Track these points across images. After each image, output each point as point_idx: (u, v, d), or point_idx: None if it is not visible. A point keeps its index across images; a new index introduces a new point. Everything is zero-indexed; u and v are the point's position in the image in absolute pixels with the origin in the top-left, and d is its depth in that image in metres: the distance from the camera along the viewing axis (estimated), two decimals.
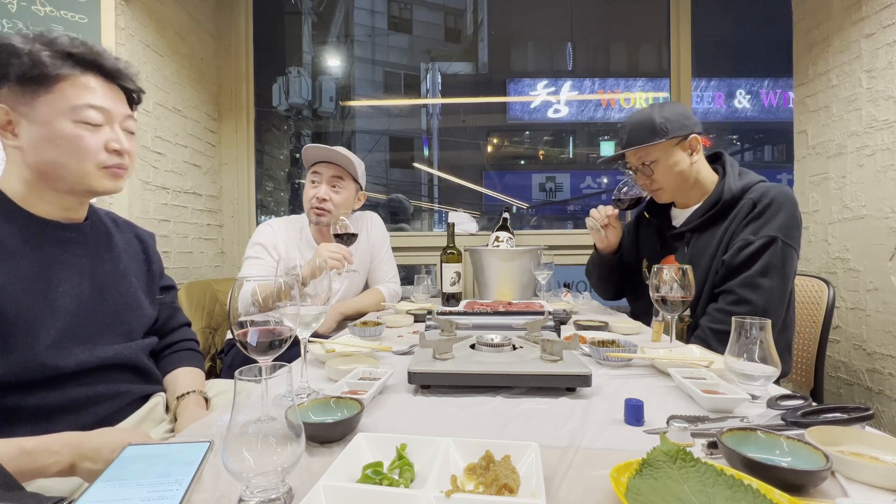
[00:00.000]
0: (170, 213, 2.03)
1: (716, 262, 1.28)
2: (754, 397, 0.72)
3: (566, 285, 2.12)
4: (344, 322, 1.62)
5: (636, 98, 5.16)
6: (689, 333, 1.32)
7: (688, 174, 1.35)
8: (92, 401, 0.85)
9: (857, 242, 1.81)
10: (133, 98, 0.92)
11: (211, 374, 1.68)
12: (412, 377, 0.79)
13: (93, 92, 0.83)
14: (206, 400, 0.99)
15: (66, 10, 1.63)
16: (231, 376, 0.57)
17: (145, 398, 0.95)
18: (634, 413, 0.65)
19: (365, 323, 1.28)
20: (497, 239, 1.86)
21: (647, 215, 1.58)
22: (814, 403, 0.65)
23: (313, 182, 1.64)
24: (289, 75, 4.69)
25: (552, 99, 5.25)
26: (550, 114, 5.33)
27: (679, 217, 1.44)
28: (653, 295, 1.09)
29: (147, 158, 1.88)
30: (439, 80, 6.85)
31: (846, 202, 1.87)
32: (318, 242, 1.71)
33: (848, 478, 0.48)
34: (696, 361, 0.87)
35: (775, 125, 6.56)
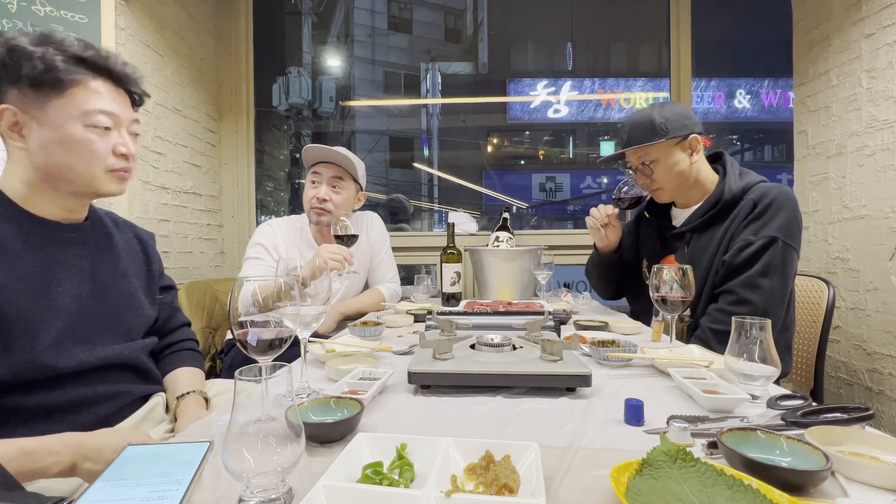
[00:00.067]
0: (170, 213, 2.03)
1: (716, 262, 1.28)
2: (754, 397, 0.72)
3: (566, 285, 2.12)
4: (344, 322, 1.62)
5: (636, 98, 5.16)
6: (689, 333, 1.32)
7: (688, 174, 1.35)
8: (92, 401, 0.85)
9: (857, 242, 1.81)
10: (135, 100, 0.93)
11: (211, 374, 1.68)
12: (412, 377, 0.79)
13: (102, 96, 0.84)
14: (206, 400, 0.99)
15: (66, 10, 1.63)
16: (231, 376, 0.57)
17: (145, 398, 0.95)
18: (634, 413, 0.65)
19: (365, 323, 1.28)
20: (497, 239, 1.86)
21: (648, 215, 1.58)
22: (814, 403, 0.65)
23: (313, 182, 1.64)
24: (289, 75, 4.69)
25: (552, 99, 5.25)
26: (550, 114, 5.34)
27: (679, 217, 1.44)
28: (653, 295, 1.09)
29: (147, 158, 1.88)
30: (439, 80, 6.85)
31: (846, 202, 1.87)
32: (319, 242, 1.71)
33: (848, 478, 0.48)
34: (696, 361, 0.87)
35: (775, 125, 6.57)
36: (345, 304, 1.69)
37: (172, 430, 0.92)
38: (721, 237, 1.29)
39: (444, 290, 1.78)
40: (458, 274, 1.78)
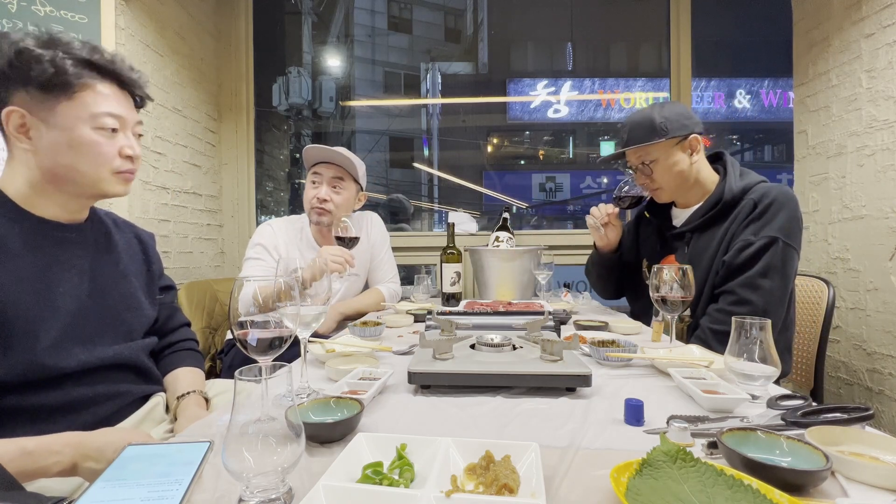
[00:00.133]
0: (170, 213, 2.03)
1: (716, 262, 1.28)
2: (754, 397, 0.72)
3: (566, 285, 2.12)
4: (344, 322, 1.62)
5: (636, 98, 5.16)
6: (689, 333, 1.32)
7: (687, 174, 1.35)
8: (92, 401, 0.85)
9: (857, 242, 1.81)
10: (137, 102, 0.94)
11: (211, 374, 1.68)
12: (412, 377, 0.79)
13: (109, 99, 0.85)
14: (207, 400, 0.99)
15: (66, 10, 1.63)
16: (231, 376, 0.57)
17: (145, 398, 0.95)
18: (634, 413, 0.65)
19: (365, 323, 1.28)
20: (497, 239, 1.86)
21: (648, 215, 1.58)
22: (814, 403, 0.65)
23: (314, 182, 1.64)
24: (289, 75, 4.69)
25: (552, 99, 5.25)
26: (550, 114, 5.34)
27: (679, 217, 1.44)
28: (653, 295, 1.09)
29: (147, 158, 1.88)
30: (439, 80, 6.86)
31: (846, 202, 1.87)
32: (319, 242, 1.71)
33: (848, 478, 0.48)
34: (696, 361, 0.87)
35: (775, 125, 6.57)
36: (345, 304, 1.69)
37: (172, 430, 0.92)
38: (721, 237, 1.29)
39: (444, 290, 1.78)
40: (458, 274, 1.78)
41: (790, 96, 2.29)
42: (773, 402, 0.66)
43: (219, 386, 1.08)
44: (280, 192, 4.14)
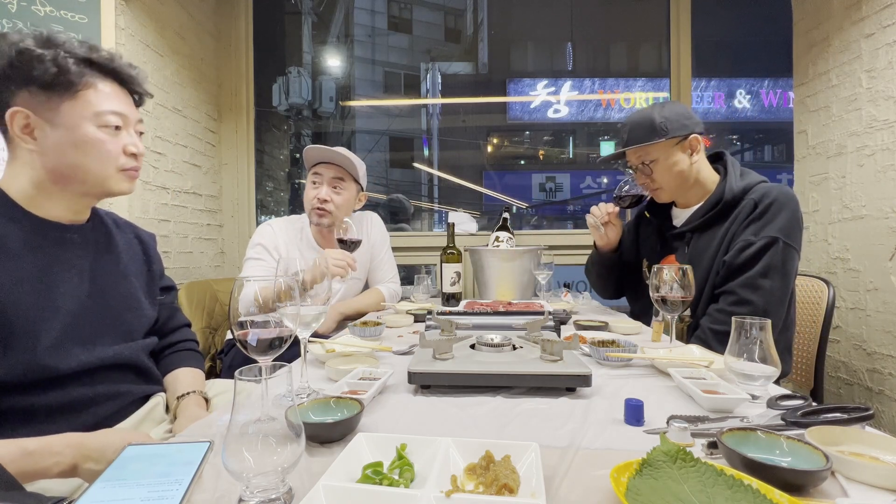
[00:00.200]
0: (170, 213, 2.03)
1: (716, 262, 1.28)
2: (754, 397, 0.72)
3: (566, 285, 2.12)
4: (344, 322, 1.62)
5: (636, 98, 5.16)
6: (689, 334, 1.32)
7: (687, 174, 1.35)
8: (92, 401, 0.85)
9: (857, 242, 1.81)
10: (136, 100, 0.94)
11: (211, 374, 1.68)
12: (412, 377, 0.79)
13: (111, 97, 0.86)
14: (207, 400, 0.99)
15: (66, 10, 1.63)
16: (231, 376, 0.57)
17: (145, 398, 0.95)
18: (634, 413, 0.65)
19: (365, 323, 1.28)
20: (497, 239, 1.86)
21: (648, 215, 1.58)
22: (814, 403, 0.65)
23: (314, 183, 1.64)
24: (289, 75, 4.69)
25: (552, 99, 5.26)
26: (550, 114, 5.34)
27: (680, 217, 1.44)
28: (653, 295, 1.09)
29: (147, 158, 1.88)
30: (439, 80, 6.86)
31: (846, 202, 1.87)
32: (319, 243, 1.71)
33: (848, 478, 0.48)
34: (696, 361, 0.87)
35: (775, 125, 6.57)
36: (345, 304, 1.69)
37: (172, 430, 0.92)
38: (722, 237, 1.29)
39: (444, 290, 1.78)
40: (458, 274, 1.78)
41: (790, 96, 2.29)
42: (773, 402, 0.66)
43: (219, 386, 1.08)
44: (280, 192, 4.14)
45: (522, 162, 6.71)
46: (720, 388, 0.73)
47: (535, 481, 0.45)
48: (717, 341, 1.19)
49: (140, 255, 1.05)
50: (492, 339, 0.94)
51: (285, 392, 0.66)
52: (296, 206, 3.87)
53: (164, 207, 1.99)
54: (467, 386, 0.80)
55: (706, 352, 0.95)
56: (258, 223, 2.51)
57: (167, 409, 0.97)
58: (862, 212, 1.79)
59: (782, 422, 0.60)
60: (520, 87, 5.58)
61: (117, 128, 0.86)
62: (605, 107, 5.20)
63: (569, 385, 0.77)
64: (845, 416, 0.59)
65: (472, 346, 0.92)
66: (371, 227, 1.86)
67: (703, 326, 1.25)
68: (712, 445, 0.55)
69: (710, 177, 1.38)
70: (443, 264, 1.77)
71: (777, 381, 0.79)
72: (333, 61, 5.41)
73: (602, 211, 1.55)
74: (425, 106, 6.69)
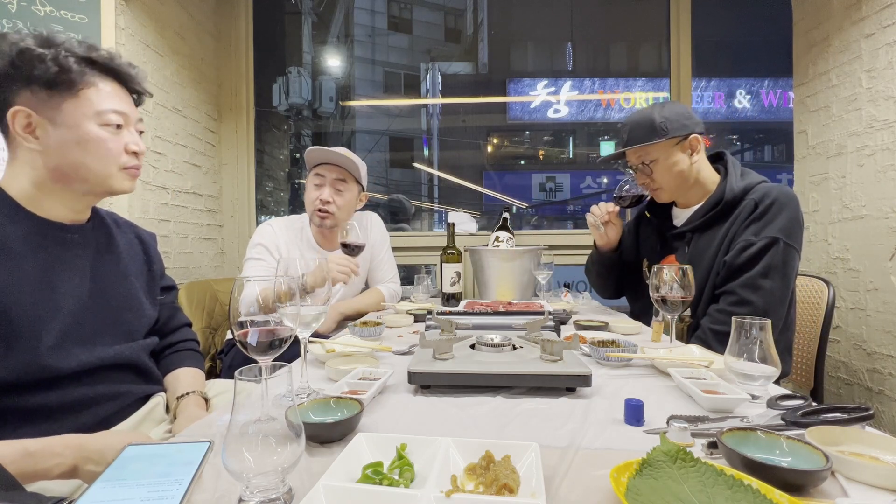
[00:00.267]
0: (170, 213, 2.03)
1: (717, 262, 1.28)
2: (754, 397, 0.72)
3: (566, 285, 2.12)
4: (344, 322, 1.62)
5: (636, 98, 5.17)
6: (689, 334, 1.32)
7: (687, 174, 1.35)
8: (93, 401, 0.85)
9: (857, 242, 1.81)
10: (135, 100, 0.94)
11: (211, 374, 1.68)
12: (412, 377, 0.79)
13: (111, 96, 0.86)
14: (206, 400, 0.99)
15: (66, 10, 1.63)
16: (231, 376, 0.57)
17: (146, 398, 0.95)
18: (634, 413, 0.65)
19: (365, 323, 1.28)
20: (497, 239, 1.86)
21: (648, 214, 1.58)
22: (814, 403, 0.65)
23: (317, 185, 1.64)
24: (289, 75, 4.69)
25: (552, 99, 5.26)
26: (550, 114, 5.34)
27: (680, 217, 1.44)
28: (653, 295, 1.09)
29: (147, 158, 1.88)
30: (439, 80, 6.86)
31: (846, 202, 1.87)
32: (319, 243, 1.71)
33: (848, 478, 0.48)
34: (696, 361, 0.87)
35: (775, 125, 6.57)
36: (345, 304, 1.69)
37: (172, 430, 0.92)
38: (722, 237, 1.29)
39: (444, 290, 1.78)
40: (458, 274, 1.78)
41: (790, 96, 2.29)
42: (773, 402, 0.66)
43: (219, 386, 1.08)
44: (280, 192, 4.14)
45: (522, 162, 6.71)
46: (720, 388, 0.73)
47: (535, 481, 0.45)
48: (717, 341, 1.19)
49: (140, 254, 1.05)
50: (492, 339, 0.94)
51: (285, 392, 0.66)
52: (296, 206, 3.87)
53: (164, 207, 1.99)
54: (467, 386, 0.80)
55: (706, 352, 0.95)
56: (258, 223, 2.50)
57: (167, 409, 0.97)
58: (862, 212, 1.79)
59: (782, 422, 0.60)
60: (520, 87, 5.58)
61: (119, 126, 0.86)
62: (605, 107, 5.20)
63: (569, 385, 0.77)
64: (845, 416, 0.59)
65: (472, 346, 0.92)
66: (371, 227, 1.86)
67: (704, 326, 1.25)
68: (712, 445, 0.55)
69: (711, 177, 1.38)
70: (443, 264, 1.77)
71: (777, 381, 0.79)
72: (333, 61, 5.41)
73: (602, 210, 1.55)
74: (425, 106, 6.69)
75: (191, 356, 1.09)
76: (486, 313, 1.26)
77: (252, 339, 0.65)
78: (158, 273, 1.09)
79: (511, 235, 1.87)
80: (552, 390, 0.78)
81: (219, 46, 2.52)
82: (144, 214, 1.85)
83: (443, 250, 1.77)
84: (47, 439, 0.70)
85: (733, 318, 0.77)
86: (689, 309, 1.21)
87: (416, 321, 1.49)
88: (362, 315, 1.65)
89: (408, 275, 2.59)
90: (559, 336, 1.08)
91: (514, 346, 0.92)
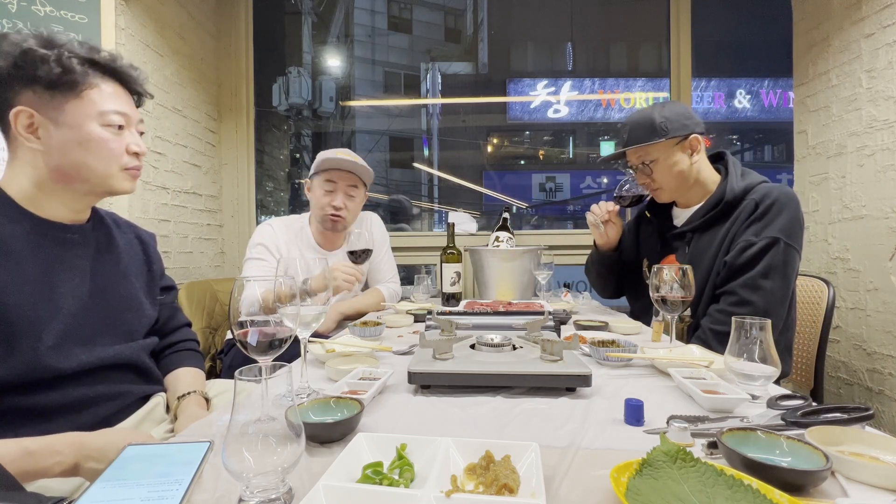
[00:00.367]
0: (170, 213, 2.03)
1: (717, 262, 1.28)
2: (754, 397, 0.72)
3: (566, 285, 2.12)
4: (344, 322, 1.62)
5: (636, 98, 5.16)
6: (689, 334, 1.32)
7: (687, 174, 1.35)
8: (93, 401, 0.85)
9: (857, 242, 1.81)
10: (136, 101, 0.94)
11: (211, 374, 1.68)
12: (412, 377, 0.79)
13: (113, 97, 0.87)
14: (207, 400, 0.99)
15: (66, 10, 1.63)
16: (231, 376, 0.57)
17: (146, 398, 0.95)
18: (634, 413, 0.65)
19: (365, 323, 1.28)
20: (497, 239, 1.86)
21: (648, 214, 1.58)
22: (814, 403, 0.65)
23: (329, 191, 1.64)
24: (289, 75, 4.69)
25: (552, 99, 5.25)
26: (550, 114, 5.34)
27: (680, 217, 1.44)
28: (653, 295, 1.09)
29: (147, 158, 1.86)
30: (439, 80, 6.85)
31: (846, 202, 1.87)
32: (319, 243, 1.72)
33: (848, 478, 0.48)
34: (696, 361, 0.87)
35: (775, 125, 6.57)
36: (345, 304, 1.69)
37: (173, 430, 0.92)
38: (722, 237, 1.29)
39: (444, 290, 1.78)
40: (458, 274, 1.78)
41: (790, 96, 2.29)
42: (773, 402, 0.66)
43: (219, 386, 1.08)
44: (280, 192, 4.14)
45: (522, 162, 6.71)
46: (720, 388, 0.73)
47: (535, 481, 0.45)
48: (717, 341, 1.19)
49: (140, 254, 1.05)
50: (492, 339, 0.94)
51: (285, 392, 0.66)
52: (296, 206, 3.87)
53: (164, 207, 1.99)
54: (467, 386, 0.80)
55: (706, 352, 0.95)
56: (258, 223, 2.50)
57: (168, 408, 0.97)
58: (862, 212, 1.79)
59: (782, 422, 0.60)
60: (520, 87, 5.58)
61: (120, 127, 0.87)
62: (605, 107, 5.19)
63: (569, 385, 0.77)
64: (845, 416, 0.59)
65: (472, 346, 0.92)
66: (371, 228, 1.87)
67: (704, 327, 1.25)
68: (712, 445, 0.55)
69: (711, 177, 1.38)
70: (443, 264, 1.77)
71: (777, 382, 0.79)
72: (333, 61, 5.41)
73: (602, 209, 1.55)
74: (425, 106, 6.69)
75: (191, 356, 1.09)
76: (486, 313, 1.26)
77: (252, 339, 0.65)
78: (158, 273, 1.09)
79: (511, 235, 1.87)
80: (552, 390, 0.78)
81: (219, 46, 2.52)
82: (144, 214, 1.85)
83: (443, 250, 1.78)
84: (47, 438, 0.70)
85: (733, 318, 0.77)
86: (689, 309, 1.21)
87: (416, 321, 1.49)
88: (362, 315, 1.65)
89: (408, 275, 2.59)
90: (559, 336, 1.08)
91: (514, 346, 0.92)
